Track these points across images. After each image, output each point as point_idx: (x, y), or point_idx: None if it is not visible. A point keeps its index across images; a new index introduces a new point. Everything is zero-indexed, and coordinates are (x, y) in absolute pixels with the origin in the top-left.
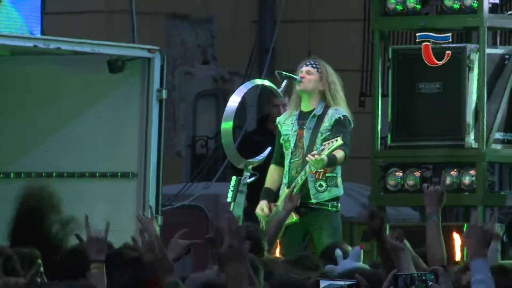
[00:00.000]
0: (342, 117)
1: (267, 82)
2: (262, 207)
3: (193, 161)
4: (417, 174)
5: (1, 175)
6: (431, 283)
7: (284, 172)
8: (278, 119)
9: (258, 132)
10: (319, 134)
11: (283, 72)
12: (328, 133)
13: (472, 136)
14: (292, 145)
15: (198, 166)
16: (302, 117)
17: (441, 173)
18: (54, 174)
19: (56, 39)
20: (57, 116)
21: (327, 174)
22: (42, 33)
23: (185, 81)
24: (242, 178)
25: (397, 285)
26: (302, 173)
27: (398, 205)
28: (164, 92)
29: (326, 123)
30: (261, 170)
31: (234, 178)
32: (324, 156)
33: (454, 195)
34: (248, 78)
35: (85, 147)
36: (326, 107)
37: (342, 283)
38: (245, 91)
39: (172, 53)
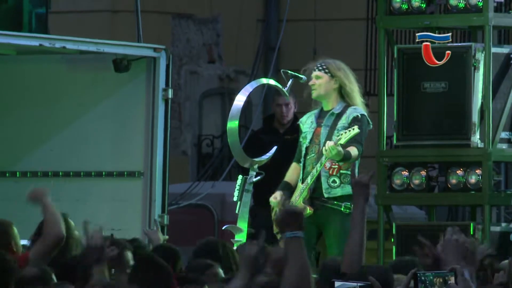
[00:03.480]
0: (360, 116)
1: (272, 81)
2: (276, 195)
3: (199, 160)
4: (423, 173)
5: (7, 174)
6: (450, 282)
7: (301, 168)
8: (300, 119)
9: (264, 131)
10: (336, 131)
11: (289, 71)
12: (345, 130)
13: (477, 136)
14: (308, 141)
15: (204, 165)
16: (322, 115)
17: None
18: (60, 173)
19: (61, 38)
20: (63, 115)
21: (341, 171)
22: (48, 32)
23: (190, 80)
24: (248, 177)
25: (416, 284)
26: (318, 164)
27: (404, 204)
28: (170, 91)
29: (343, 120)
30: (267, 169)
31: (240, 177)
32: (340, 148)
33: (460, 195)
34: (253, 77)
35: (91, 146)
36: (346, 107)
37: (354, 284)
38: (251, 90)
39: (177, 52)
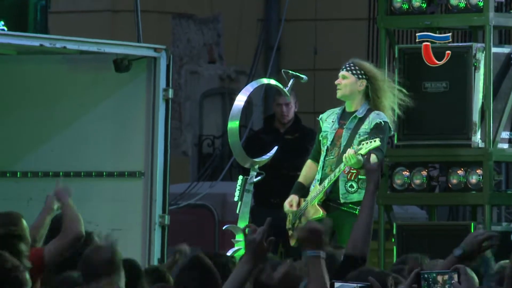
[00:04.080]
0: (382, 122)
1: (273, 81)
2: (292, 202)
3: (199, 160)
4: (424, 173)
5: (8, 174)
6: (453, 281)
7: (318, 168)
8: (321, 115)
9: (265, 131)
10: (357, 136)
11: (290, 71)
12: (366, 135)
13: (478, 135)
14: (329, 142)
15: (204, 165)
16: (344, 117)
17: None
18: (61, 173)
19: (62, 38)
20: (63, 115)
21: (359, 176)
22: (48, 32)
23: (191, 80)
24: (249, 177)
25: (419, 283)
26: (337, 170)
27: (405, 204)
28: (171, 91)
29: (366, 125)
30: (268, 169)
31: (241, 177)
32: (360, 156)
33: (461, 194)
34: (252, 77)
35: (91, 147)
36: (369, 110)
37: (354, 285)
38: (251, 90)
39: (178, 52)
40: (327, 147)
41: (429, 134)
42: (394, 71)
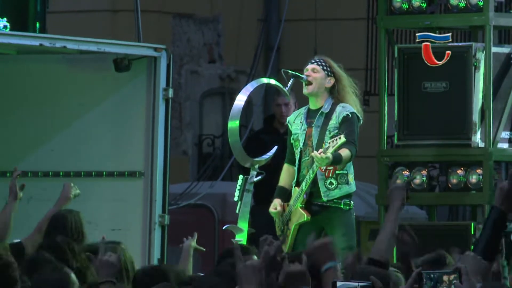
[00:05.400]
0: (350, 114)
1: (273, 81)
2: (276, 205)
3: (199, 160)
4: (424, 173)
5: (8, 174)
6: (455, 281)
7: (296, 171)
8: (288, 118)
9: (265, 131)
10: (327, 132)
11: (290, 71)
12: (336, 130)
13: (478, 135)
14: (301, 144)
15: (204, 165)
16: (310, 115)
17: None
18: (61, 173)
19: (62, 38)
20: (63, 115)
21: (337, 172)
22: (47, 32)
23: (191, 80)
24: (249, 177)
25: (421, 283)
26: (310, 171)
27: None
28: (171, 91)
29: (334, 120)
30: (267, 169)
31: (241, 177)
32: (329, 154)
33: (461, 194)
34: (252, 76)
35: (91, 146)
36: (334, 104)
37: (356, 284)
38: (251, 90)
39: (178, 52)
40: (300, 148)
41: (429, 134)
42: (393, 70)
